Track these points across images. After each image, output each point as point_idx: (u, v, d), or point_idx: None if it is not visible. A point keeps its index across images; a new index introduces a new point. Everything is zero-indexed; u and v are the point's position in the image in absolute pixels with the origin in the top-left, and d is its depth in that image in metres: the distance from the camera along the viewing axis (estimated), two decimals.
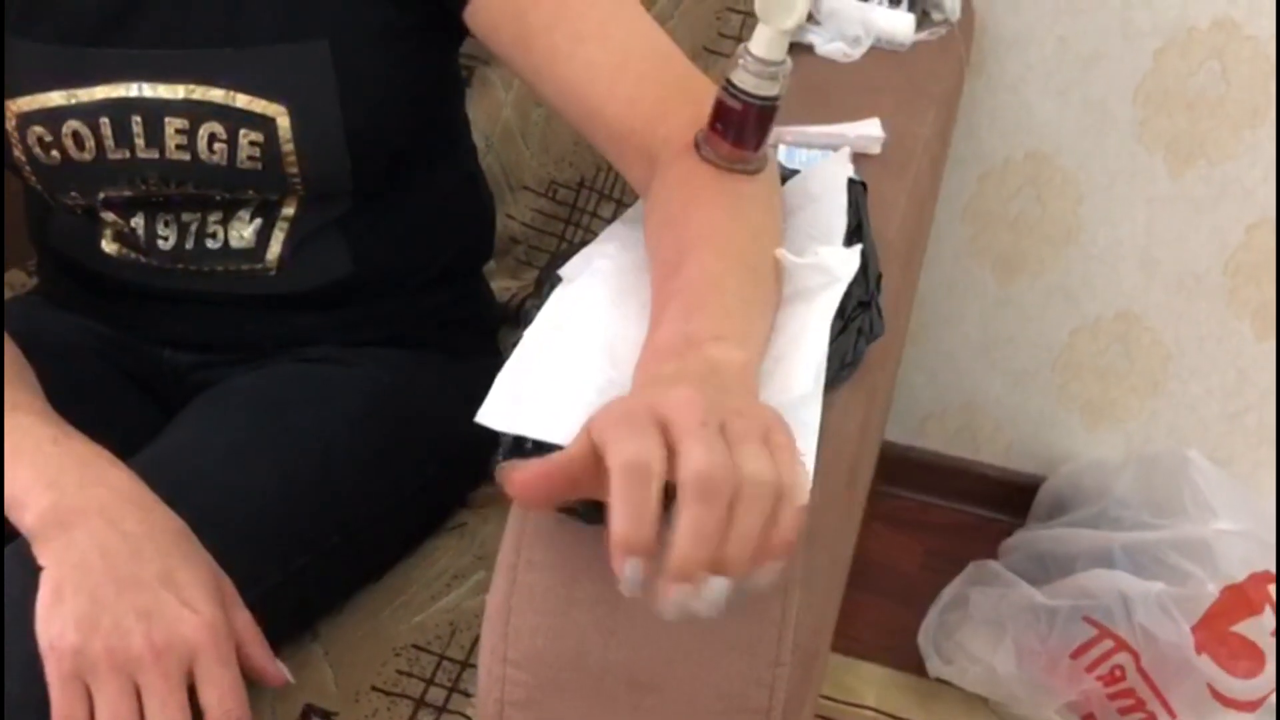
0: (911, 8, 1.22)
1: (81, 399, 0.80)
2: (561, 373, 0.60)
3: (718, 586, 0.49)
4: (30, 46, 0.81)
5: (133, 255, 0.89)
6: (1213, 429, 1.59)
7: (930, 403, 1.71)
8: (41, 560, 0.67)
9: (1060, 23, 1.39)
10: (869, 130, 0.94)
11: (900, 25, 1.19)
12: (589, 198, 1.22)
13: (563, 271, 0.70)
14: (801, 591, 0.58)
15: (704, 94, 0.70)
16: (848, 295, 0.65)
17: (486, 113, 1.20)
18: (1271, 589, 1.29)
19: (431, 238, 0.95)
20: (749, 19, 1.18)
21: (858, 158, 0.87)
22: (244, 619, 0.71)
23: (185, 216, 0.87)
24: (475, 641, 0.83)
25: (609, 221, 1.16)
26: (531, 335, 0.63)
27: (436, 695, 0.80)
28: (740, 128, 0.67)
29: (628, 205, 1.16)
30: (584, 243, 0.73)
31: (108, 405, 0.90)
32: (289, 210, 0.87)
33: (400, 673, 0.81)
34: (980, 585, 1.44)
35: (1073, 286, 1.56)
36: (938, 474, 1.73)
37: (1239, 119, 1.39)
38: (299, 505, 0.80)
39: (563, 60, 0.77)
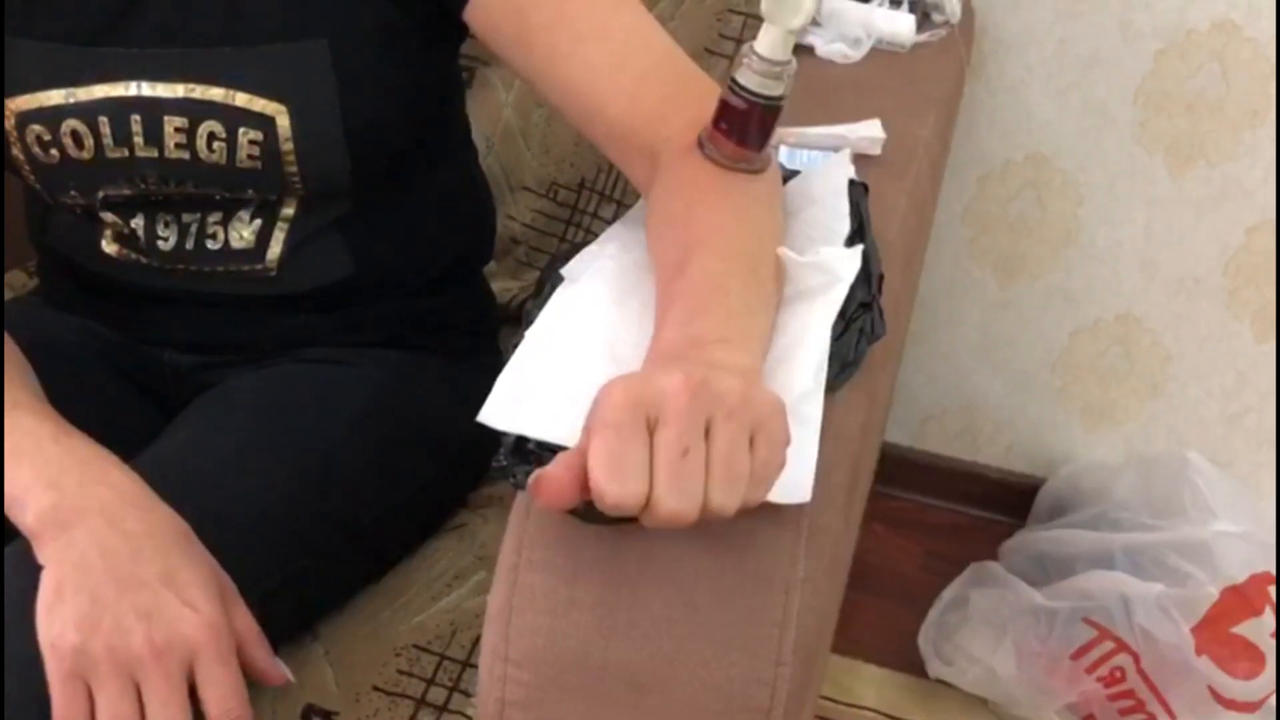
0: (912, 9, 1.22)
1: (82, 400, 0.80)
2: (563, 373, 0.60)
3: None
4: (29, 45, 0.81)
5: (133, 256, 0.89)
6: (1213, 431, 1.59)
7: (930, 404, 1.71)
8: (42, 560, 0.67)
9: (1060, 25, 1.39)
10: (869, 131, 0.94)
11: (901, 27, 1.19)
12: (590, 198, 1.22)
13: (564, 272, 0.70)
14: (802, 591, 0.58)
15: (706, 94, 0.70)
16: (849, 296, 0.65)
17: (487, 113, 1.20)
18: (1271, 590, 1.29)
19: (432, 238, 0.95)
20: (750, 20, 1.18)
21: (858, 159, 0.87)
22: (245, 619, 0.71)
23: (185, 217, 0.87)
24: (476, 641, 0.83)
25: (610, 222, 1.16)
26: (533, 336, 0.63)
27: (437, 695, 0.80)
28: (744, 127, 0.67)
29: (629, 206, 1.16)
30: (585, 243, 0.73)
31: (108, 406, 0.90)
32: (289, 210, 0.87)
33: (401, 673, 0.81)
34: (980, 586, 1.44)
35: (1073, 288, 1.56)
36: (938, 475, 1.73)
37: (1239, 121, 1.39)
38: (300, 506, 0.80)
39: (563, 60, 0.77)
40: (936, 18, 1.24)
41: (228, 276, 0.89)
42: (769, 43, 0.64)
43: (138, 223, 0.87)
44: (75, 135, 0.82)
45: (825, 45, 1.17)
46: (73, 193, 0.86)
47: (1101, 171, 1.47)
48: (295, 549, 0.79)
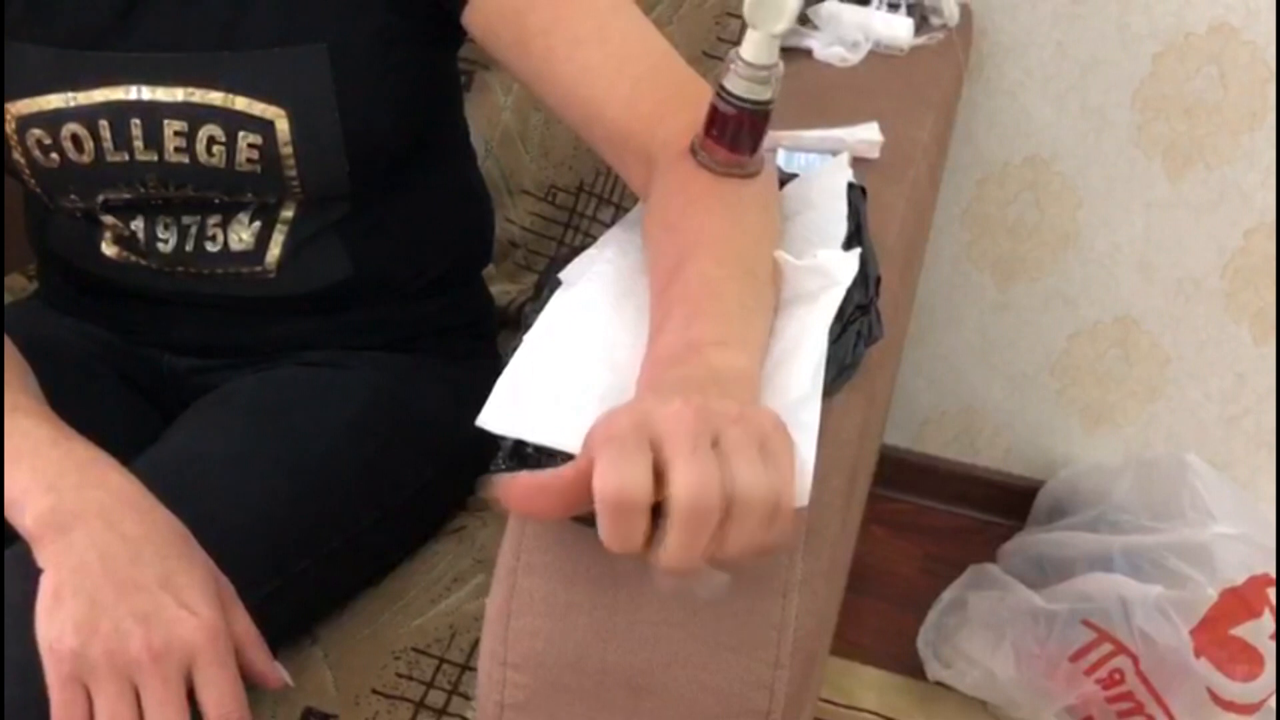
0: (910, 13, 1.22)
1: (81, 403, 0.80)
2: (562, 377, 0.60)
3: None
4: (29, 49, 0.82)
5: (133, 258, 0.89)
6: (1211, 433, 1.60)
7: (929, 407, 1.71)
8: (41, 563, 0.67)
9: (1058, 28, 1.39)
10: (868, 135, 0.94)
11: (899, 30, 1.19)
12: (588, 202, 1.22)
13: (562, 275, 0.70)
14: (801, 594, 0.58)
15: (702, 97, 0.70)
16: (847, 299, 0.65)
17: (485, 117, 1.20)
18: (1270, 592, 1.29)
19: (431, 241, 0.96)
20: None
21: (856, 162, 0.87)
22: (243, 622, 0.71)
23: (185, 219, 0.88)
24: (475, 644, 0.83)
25: (608, 226, 1.16)
26: (531, 339, 0.63)
27: (436, 698, 0.80)
28: (735, 133, 0.67)
29: (626, 209, 1.16)
30: (583, 247, 0.73)
31: (107, 409, 0.90)
32: (288, 213, 0.87)
33: (400, 676, 0.81)
34: (979, 589, 1.44)
35: (1071, 291, 1.56)
36: (937, 478, 1.73)
37: (1237, 124, 1.39)
38: (298, 508, 0.80)
39: (560, 63, 0.77)
40: (935, 21, 1.25)
41: (227, 279, 0.89)
42: (753, 47, 0.64)
43: (137, 225, 0.88)
44: (75, 139, 0.82)
45: (823, 48, 1.17)
46: (73, 196, 0.86)
47: (1100, 174, 1.47)
48: (294, 552, 0.79)
